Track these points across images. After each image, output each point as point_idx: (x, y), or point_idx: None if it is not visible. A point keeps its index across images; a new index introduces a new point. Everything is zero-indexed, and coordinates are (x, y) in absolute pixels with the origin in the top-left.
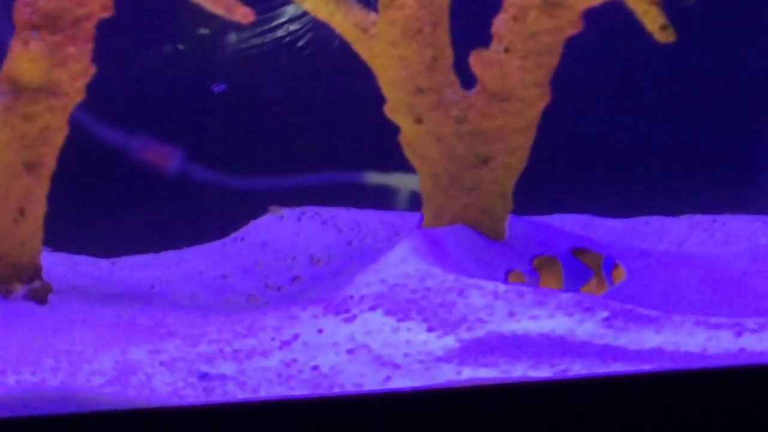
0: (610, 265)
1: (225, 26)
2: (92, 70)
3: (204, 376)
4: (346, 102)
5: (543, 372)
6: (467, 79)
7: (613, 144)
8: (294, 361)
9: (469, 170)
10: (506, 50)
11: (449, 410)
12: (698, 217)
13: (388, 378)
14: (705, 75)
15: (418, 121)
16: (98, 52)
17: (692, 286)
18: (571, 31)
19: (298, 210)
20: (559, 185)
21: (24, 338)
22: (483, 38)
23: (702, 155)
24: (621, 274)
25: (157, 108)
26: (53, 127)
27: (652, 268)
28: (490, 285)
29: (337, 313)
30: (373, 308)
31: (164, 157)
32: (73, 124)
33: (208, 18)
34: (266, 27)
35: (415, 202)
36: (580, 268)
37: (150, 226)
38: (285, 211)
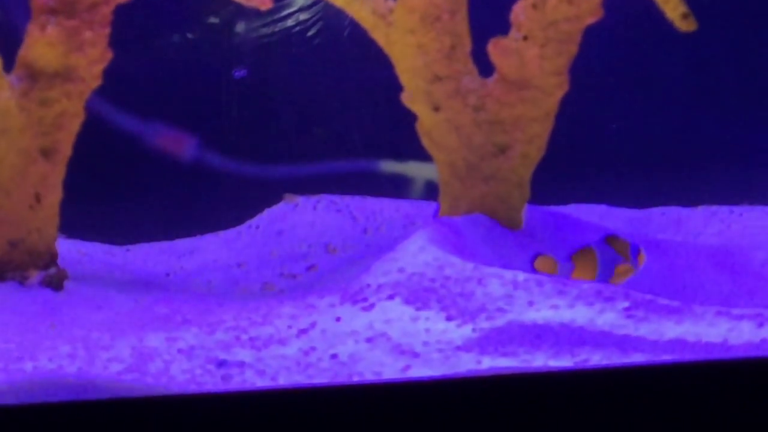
0: (636, 251)
1: (239, 14)
2: (109, 55)
3: (222, 364)
4: (363, 90)
5: (563, 362)
6: (485, 68)
7: (630, 134)
8: (312, 349)
9: (486, 159)
10: (525, 38)
11: (469, 399)
12: (715, 207)
13: (408, 367)
14: (723, 64)
15: (436, 109)
16: (115, 38)
17: (710, 276)
18: (591, 19)
19: (313, 198)
20: (577, 175)
21: (40, 325)
22: (502, 26)
23: (720, 146)
24: (643, 258)
25: (173, 95)
26: (69, 113)
27: (670, 258)
28: (509, 274)
29: (355, 302)
30: (391, 297)
31: (179, 144)
32: (90, 110)
33: (223, 5)
34: (282, 14)
35: (430, 191)
36: (612, 256)
37: (165, 214)
38: (300, 200)
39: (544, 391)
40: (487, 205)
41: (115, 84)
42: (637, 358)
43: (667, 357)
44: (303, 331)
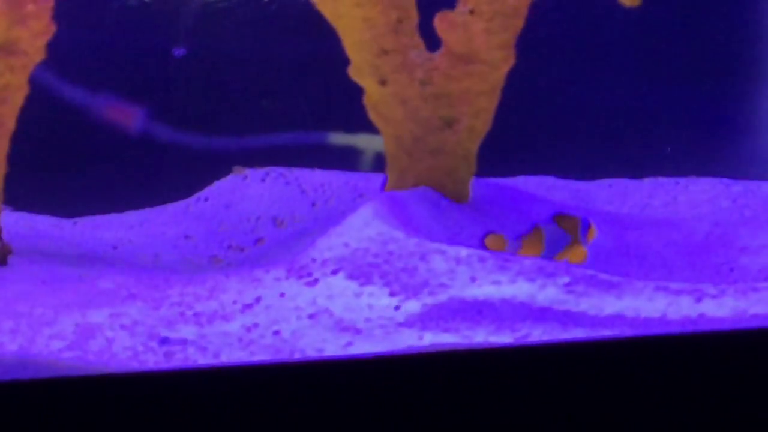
0: (586, 227)
1: None
2: (53, 28)
3: (165, 341)
4: (312, 62)
5: (504, 337)
6: (432, 41)
7: (577, 106)
8: (255, 325)
9: (433, 132)
10: (471, 12)
11: (410, 376)
12: (661, 179)
13: (350, 343)
14: (669, 35)
15: (383, 82)
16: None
17: (655, 249)
18: None
19: (262, 170)
20: (524, 147)
21: None
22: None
23: (665, 117)
24: (594, 233)
25: (120, 66)
26: (13, 87)
27: (617, 231)
28: (452, 250)
29: (300, 277)
30: (335, 272)
31: (127, 116)
32: (35, 82)
33: None
34: None
35: (381, 163)
36: (560, 234)
37: (113, 186)
38: (249, 172)
39: (485, 367)
40: (434, 178)
41: (62, 56)
42: (577, 333)
43: (606, 332)
44: (247, 306)
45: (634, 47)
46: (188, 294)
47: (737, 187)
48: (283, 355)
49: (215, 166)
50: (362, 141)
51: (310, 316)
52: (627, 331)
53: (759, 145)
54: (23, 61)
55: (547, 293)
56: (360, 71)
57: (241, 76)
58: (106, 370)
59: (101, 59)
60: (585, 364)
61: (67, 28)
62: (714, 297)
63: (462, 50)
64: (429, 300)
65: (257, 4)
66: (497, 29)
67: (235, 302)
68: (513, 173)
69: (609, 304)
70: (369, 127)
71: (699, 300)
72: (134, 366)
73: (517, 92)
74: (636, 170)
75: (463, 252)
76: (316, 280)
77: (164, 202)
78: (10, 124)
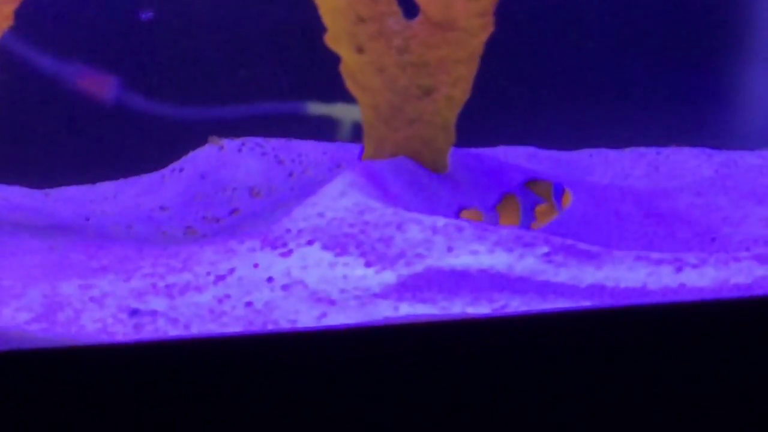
0: (560, 192)
1: None
2: None
3: (135, 313)
4: (288, 31)
5: (482, 308)
6: (410, 8)
7: (558, 75)
8: (227, 296)
9: (411, 101)
10: None
11: (385, 347)
12: (643, 149)
13: (324, 315)
14: (651, 6)
15: (360, 50)
16: None
17: (636, 219)
18: None
19: (238, 141)
20: (504, 117)
21: None
22: None
23: (647, 87)
24: (569, 198)
25: (93, 34)
26: None
27: (597, 201)
28: (429, 219)
29: (274, 248)
30: (310, 242)
31: (101, 85)
32: (5, 50)
33: None
34: None
35: (358, 133)
36: (533, 198)
37: (86, 157)
38: (225, 142)
39: (462, 339)
40: (412, 148)
41: (33, 23)
42: (557, 303)
43: (586, 302)
44: (220, 278)
45: (616, 16)
46: (160, 265)
47: (719, 157)
48: (256, 327)
49: (191, 137)
50: (340, 111)
51: (284, 287)
52: (607, 302)
53: (741, 115)
54: None
55: (526, 263)
56: (336, 39)
57: (217, 45)
58: (74, 342)
59: (71, 25)
60: (564, 335)
61: None
62: (695, 267)
63: (440, 18)
64: (405, 270)
65: None
66: None
67: (208, 273)
68: (493, 143)
69: (589, 275)
70: (346, 97)
71: (679, 270)
72: (103, 338)
73: (497, 61)
74: (618, 140)
75: (440, 222)
76: (290, 251)
77: (139, 173)
78: None
